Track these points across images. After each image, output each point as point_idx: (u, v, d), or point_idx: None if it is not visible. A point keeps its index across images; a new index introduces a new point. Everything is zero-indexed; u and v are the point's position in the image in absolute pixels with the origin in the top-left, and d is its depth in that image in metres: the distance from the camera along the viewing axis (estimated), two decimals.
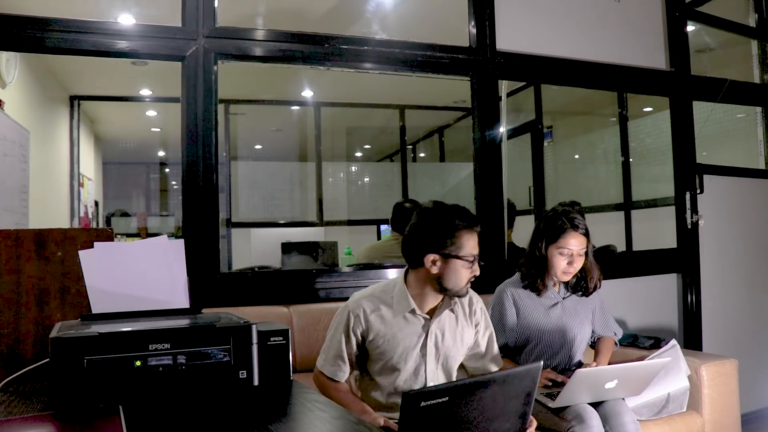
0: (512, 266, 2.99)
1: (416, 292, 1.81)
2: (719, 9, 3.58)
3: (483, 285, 2.79)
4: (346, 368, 1.81)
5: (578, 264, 2.18)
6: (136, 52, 2.36)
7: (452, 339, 1.86)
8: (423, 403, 1.20)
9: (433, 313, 1.83)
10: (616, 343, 2.37)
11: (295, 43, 2.58)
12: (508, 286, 2.28)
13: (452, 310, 1.87)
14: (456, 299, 1.85)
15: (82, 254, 1.26)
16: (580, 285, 2.27)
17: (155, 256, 1.31)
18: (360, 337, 1.81)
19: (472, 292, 1.91)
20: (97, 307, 1.25)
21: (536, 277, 2.22)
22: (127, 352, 1.00)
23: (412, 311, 1.80)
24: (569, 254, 2.15)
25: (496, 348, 1.98)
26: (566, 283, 2.28)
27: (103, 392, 0.98)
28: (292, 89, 5.32)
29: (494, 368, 1.96)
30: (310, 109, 5.66)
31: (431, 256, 1.73)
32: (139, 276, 1.29)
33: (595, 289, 2.27)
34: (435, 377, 1.85)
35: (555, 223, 2.18)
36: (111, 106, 5.70)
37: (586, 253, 2.20)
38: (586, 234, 2.18)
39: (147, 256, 1.31)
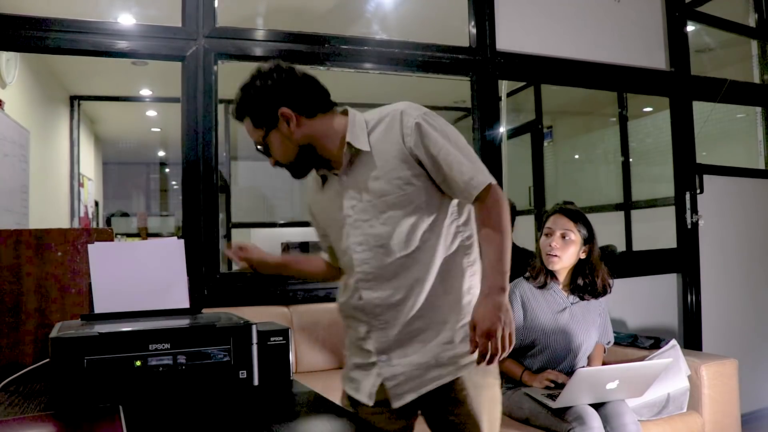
0: (512, 266, 3.00)
1: None
2: (719, 9, 3.58)
3: None
4: None
5: (561, 247, 2.14)
6: (136, 52, 2.36)
7: None
8: None
9: None
10: (604, 350, 2.38)
11: (295, 43, 2.58)
12: (519, 283, 2.25)
13: None
14: None
15: (92, 248, 1.26)
16: (587, 288, 2.21)
17: (156, 257, 1.31)
18: None
19: None
20: (99, 306, 1.25)
21: (534, 267, 2.24)
22: (127, 352, 1.00)
23: None
24: (549, 233, 2.16)
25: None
26: (574, 287, 2.23)
27: (103, 392, 0.98)
28: None
29: None
30: None
31: None
32: (139, 276, 1.29)
33: (605, 290, 2.21)
34: None
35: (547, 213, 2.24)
36: (111, 106, 5.70)
37: (591, 250, 2.17)
38: (574, 219, 2.16)
39: (147, 257, 1.31)
